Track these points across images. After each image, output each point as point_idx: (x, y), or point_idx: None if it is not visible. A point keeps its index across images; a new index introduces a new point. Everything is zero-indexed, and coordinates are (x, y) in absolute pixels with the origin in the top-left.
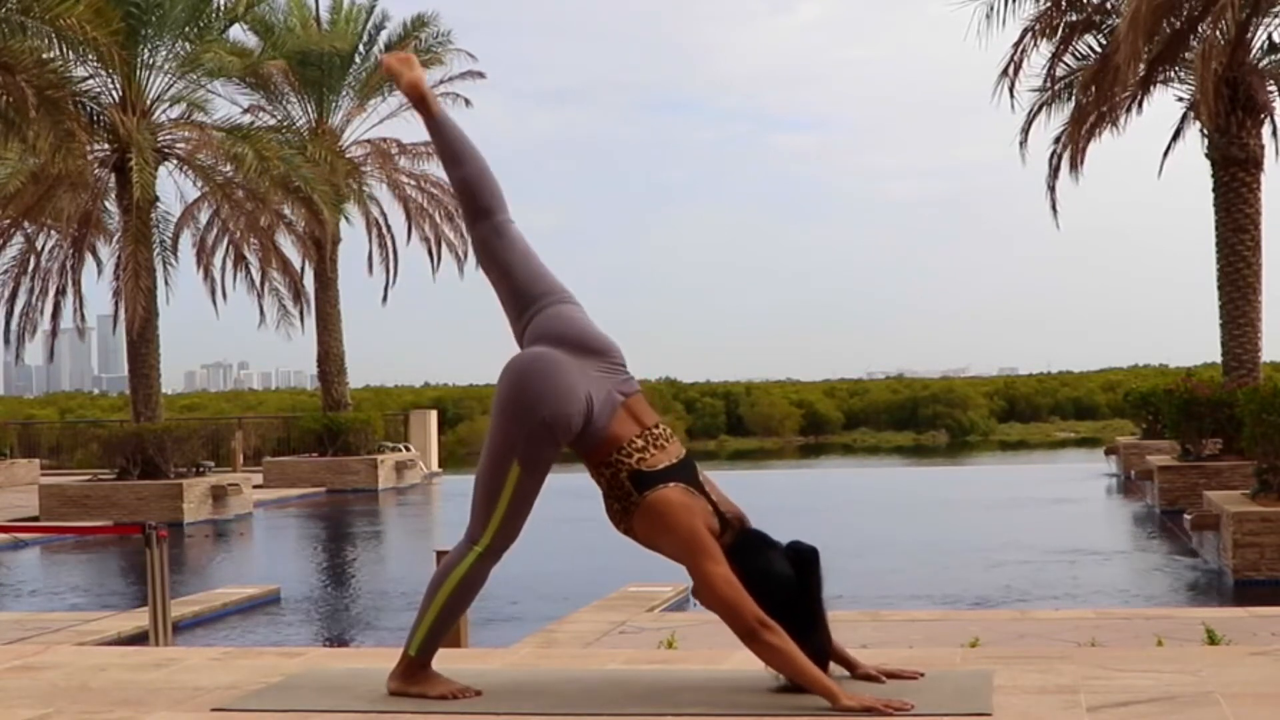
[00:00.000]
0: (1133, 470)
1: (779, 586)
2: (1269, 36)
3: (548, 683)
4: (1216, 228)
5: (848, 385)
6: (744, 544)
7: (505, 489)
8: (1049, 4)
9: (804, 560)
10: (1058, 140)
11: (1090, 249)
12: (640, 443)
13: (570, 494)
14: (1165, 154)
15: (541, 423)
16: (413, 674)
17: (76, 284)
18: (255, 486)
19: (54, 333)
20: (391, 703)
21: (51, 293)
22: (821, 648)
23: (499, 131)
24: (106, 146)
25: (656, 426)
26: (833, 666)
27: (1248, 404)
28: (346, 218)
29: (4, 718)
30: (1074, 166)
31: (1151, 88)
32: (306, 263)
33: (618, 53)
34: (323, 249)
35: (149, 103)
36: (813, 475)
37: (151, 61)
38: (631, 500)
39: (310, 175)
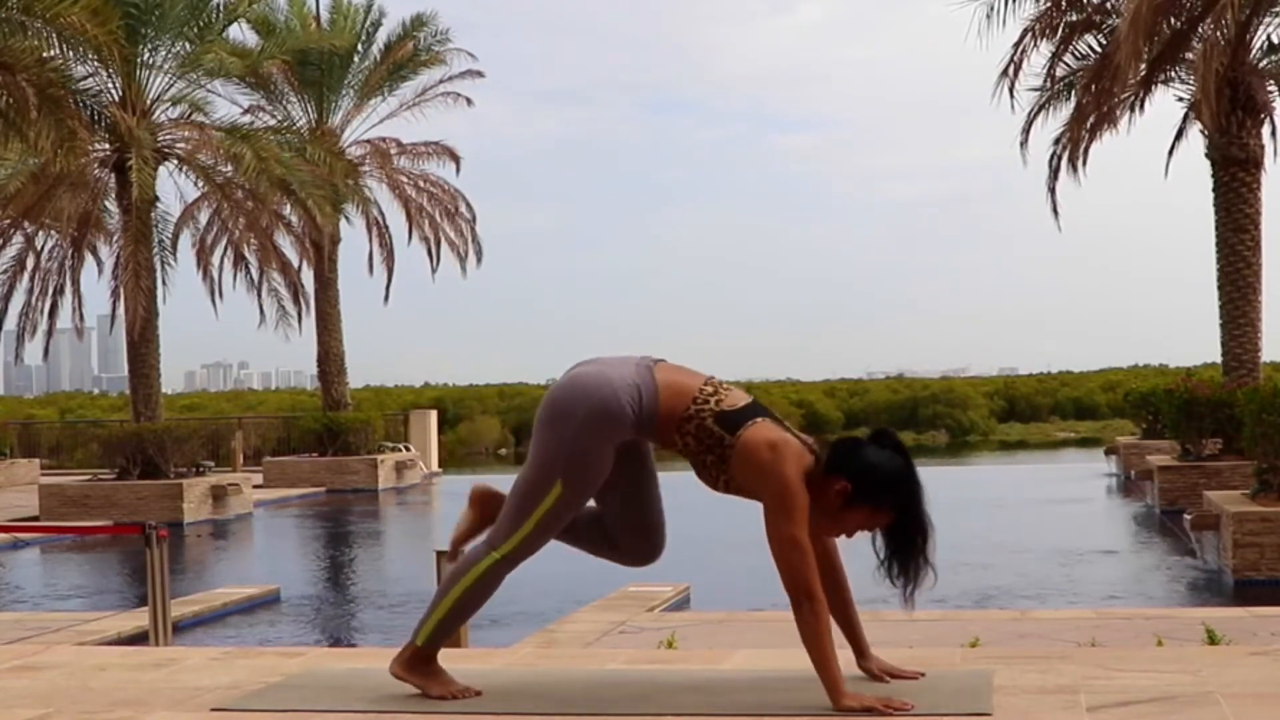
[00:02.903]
0: (1133, 470)
1: (892, 472)
2: (1269, 36)
3: (548, 683)
4: (1216, 228)
5: (848, 385)
6: (839, 451)
7: (542, 504)
8: (1049, 4)
9: (896, 444)
10: (1058, 140)
11: (1091, 249)
12: (710, 389)
13: None
14: (1170, 154)
15: (593, 411)
16: (416, 665)
17: (76, 284)
18: (255, 486)
19: (50, 332)
20: (391, 703)
21: (50, 292)
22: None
23: (500, 131)
24: (106, 146)
25: (712, 379)
26: (839, 657)
27: (1248, 404)
28: (346, 218)
29: (4, 718)
30: (1074, 167)
31: (1152, 88)
32: (305, 263)
33: (618, 53)
34: (321, 249)
35: (149, 102)
36: None
37: (151, 61)
38: (725, 445)
39: (306, 178)
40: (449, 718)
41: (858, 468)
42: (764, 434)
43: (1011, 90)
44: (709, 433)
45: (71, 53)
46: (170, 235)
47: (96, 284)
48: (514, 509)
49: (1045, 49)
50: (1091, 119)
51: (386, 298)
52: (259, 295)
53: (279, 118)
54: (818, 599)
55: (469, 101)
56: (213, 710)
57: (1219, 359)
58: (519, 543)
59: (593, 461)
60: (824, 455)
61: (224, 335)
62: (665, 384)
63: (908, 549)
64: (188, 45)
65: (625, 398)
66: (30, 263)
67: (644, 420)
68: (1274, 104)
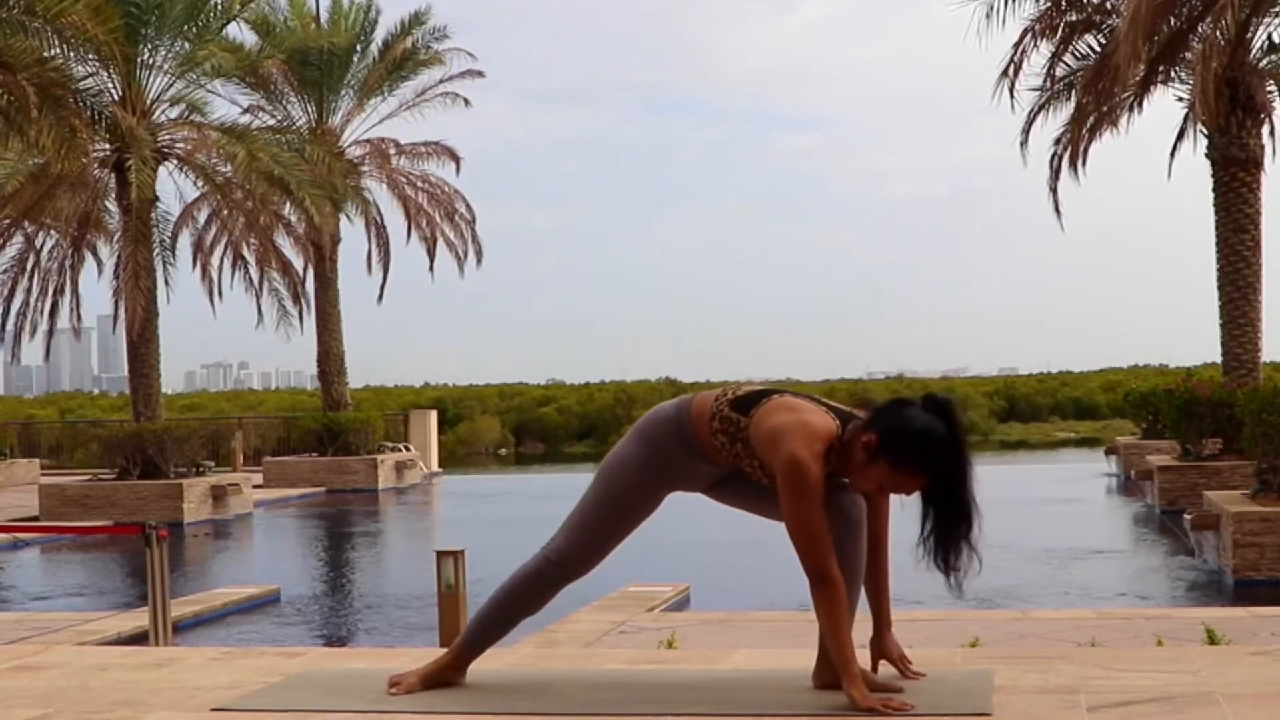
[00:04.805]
0: (1133, 470)
1: (919, 431)
2: (1269, 36)
3: (548, 683)
4: (1216, 228)
5: (848, 385)
6: (881, 412)
7: (584, 495)
8: (1049, 4)
9: (943, 410)
10: (1058, 140)
11: (1090, 249)
12: (733, 386)
13: (570, 494)
14: (1172, 154)
15: (640, 424)
16: (442, 662)
17: (75, 284)
18: (255, 486)
19: (50, 332)
20: (391, 702)
21: (50, 292)
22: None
23: (502, 131)
24: (106, 146)
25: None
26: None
27: (1248, 404)
28: (347, 217)
29: (4, 718)
30: (1075, 167)
31: (1152, 88)
32: (306, 263)
33: (621, 52)
34: (321, 249)
35: (149, 102)
36: None
37: (151, 61)
38: (741, 427)
39: (305, 177)
40: (448, 718)
41: (888, 423)
42: (773, 412)
43: (1011, 90)
44: (729, 420)
45: (72, 52)
46: (170, 235)
47: (96, 284)
48: None
49: (1045, 49)
50: (1091, 119)
51: (380, 298)
52: (258, 295)
53: (279, 118)
54: (831, 580)
55: (467, 102)
56: (213, 710)
57: (1219, 359)
58: (561, 529)
59: (625, 467)
60: (865, 412)
61: (224, 335)
62: (697, 398)
63: (945, 529)
64: (187, 45)
65: (669, 406)
66: (30, 263)
67: (684, 430)
68: (1274, 104)
